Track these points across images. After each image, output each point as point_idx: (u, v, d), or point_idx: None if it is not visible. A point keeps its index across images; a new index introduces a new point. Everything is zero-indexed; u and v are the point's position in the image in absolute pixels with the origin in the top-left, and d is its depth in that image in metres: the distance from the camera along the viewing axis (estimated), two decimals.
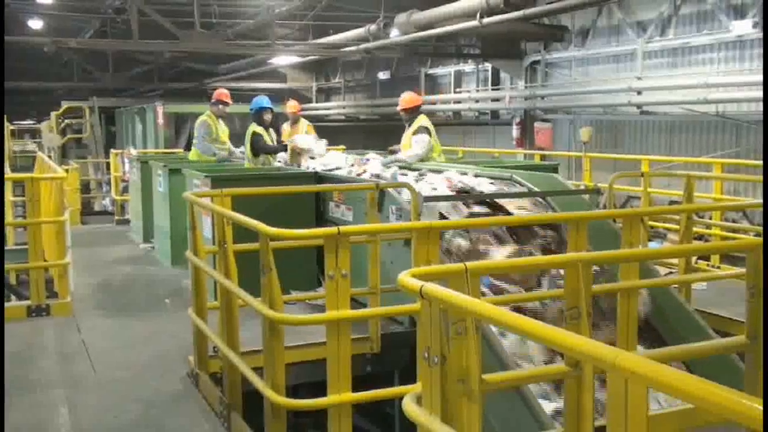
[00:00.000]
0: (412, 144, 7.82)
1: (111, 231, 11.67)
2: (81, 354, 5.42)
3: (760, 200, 9.18)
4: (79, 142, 19.54)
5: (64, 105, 19.43)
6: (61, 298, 6.62)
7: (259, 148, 8.61)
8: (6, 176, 8.44)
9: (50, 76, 24.93)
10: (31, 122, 30.62)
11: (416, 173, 7.12)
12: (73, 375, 5.02)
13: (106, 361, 5.27)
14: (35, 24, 21.44)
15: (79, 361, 5.27)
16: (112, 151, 14.20)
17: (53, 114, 19.40)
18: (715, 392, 1.46)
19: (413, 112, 8.11)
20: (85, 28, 21.02)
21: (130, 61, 22.68)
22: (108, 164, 15.08)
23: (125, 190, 12.41)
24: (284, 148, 8.65)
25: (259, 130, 8.69)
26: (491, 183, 6.45)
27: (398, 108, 8.23)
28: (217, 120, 9.79)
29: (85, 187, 16.75)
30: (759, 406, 1.35)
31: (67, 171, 9.66)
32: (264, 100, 8.87)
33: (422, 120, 8.07)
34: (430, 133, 7.89)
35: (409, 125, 8.07)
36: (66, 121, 19.26)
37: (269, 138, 8.88)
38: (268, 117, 8.84)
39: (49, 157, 16.07)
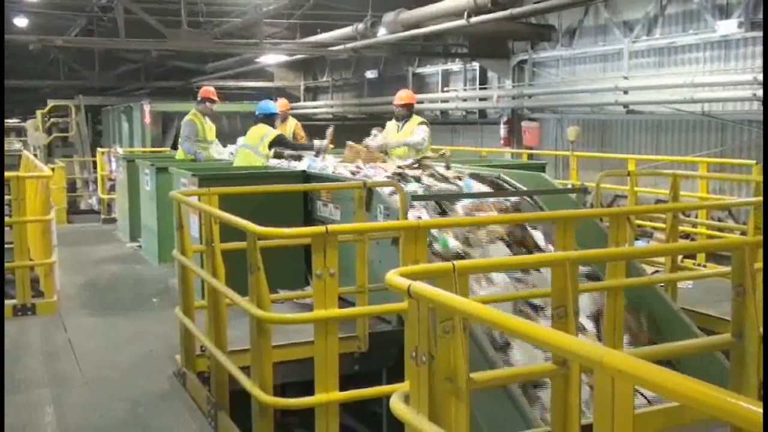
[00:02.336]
0: (415, 133, 8.11)
1: (97, 230, 11.61)
2: (67, 353, 5.40)
3: (746, 199, 9.26)
4: (65, 141, 19.41)
5: (50, 103, 19.28)
6: (46, 297, 6.58)
7: (288, 146, 8.49)
8: None
9: (36, 74, 24.72)
10: (17, 120, 30.44)
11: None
12: (59, 374, 5.00)
13: (92, 360, 5.25)
14: (21, 22, 21.26)
15: (65, 361, 5.25)
16: (99, 149, 14.11)
17: (39, 112, 19.25)
18: (706, 392, 1.46)
19: (411, 109, 8.39)
20: (72, 26, 20.86)
21: (117, 59, 22.53)
22: (94, 163, 14.98)
23: (112, 188, 12.35)
24: (311, 147, 8.47)
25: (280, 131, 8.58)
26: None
27: (400, 103, 8.35)
28: (203, 118, 9.56)
29: (72, 186, 16.64)
30: (759, 409, 1.34)
31: (53, 169, 9.60)
32: (273, 106, 8.72)
33: (420, 118, 8.44)
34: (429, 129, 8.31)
35: (404, 122, 8.23)
36: (52, 119, 19.13)
37: None
38: (276, 123, 8.74)
39: (35, 155, 15.98)
